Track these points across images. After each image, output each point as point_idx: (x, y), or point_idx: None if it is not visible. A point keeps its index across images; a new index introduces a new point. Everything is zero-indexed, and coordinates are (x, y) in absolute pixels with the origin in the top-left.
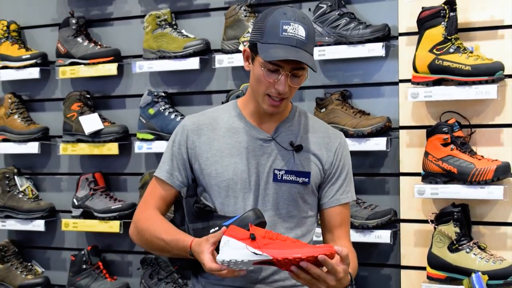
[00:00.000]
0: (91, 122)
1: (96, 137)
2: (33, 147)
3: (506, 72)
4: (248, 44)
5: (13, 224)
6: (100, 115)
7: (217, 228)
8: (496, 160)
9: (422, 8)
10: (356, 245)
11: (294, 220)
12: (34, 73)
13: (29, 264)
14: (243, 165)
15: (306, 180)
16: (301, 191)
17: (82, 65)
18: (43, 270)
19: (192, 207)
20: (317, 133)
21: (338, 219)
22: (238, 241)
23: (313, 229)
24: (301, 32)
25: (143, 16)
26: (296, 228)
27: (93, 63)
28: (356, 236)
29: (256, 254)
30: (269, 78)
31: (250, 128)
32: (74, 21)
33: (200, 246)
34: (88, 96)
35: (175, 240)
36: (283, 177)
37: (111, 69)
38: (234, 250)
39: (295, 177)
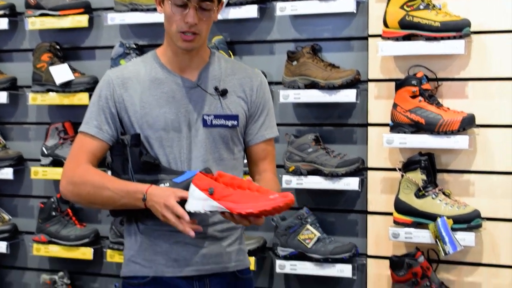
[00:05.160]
0: (61, 73)
1: (66, 87)
2: (1, 97)
3: (472, 29)
4: None
5: None
6: (70, 66)
7: (167, 184)
8: (462, 111)
9: None
10: (325, 192)
11: (225, 163)
12: (2, 23)
13: None
14: (172, 114)
15: (235, 123)
16: (231, 134)
17: (52, 17)
18: (10, 217)
19: (139, 159)
20: (237, 74)
21: (263, 154)
22: (201, 191)
23: (242, 169)
24: None
25: None
26: (229, 170)
27: (64, 15)
28: (326, 184)
29: (215, 206)
30: (178, 13)
31: (173, 77)
32: None
33: (166, 191)
34: (58, 47)
35: (125, 187)
36: (213, 122)
37: (81, 20)
38: (198, 201)
39: (224, 121)
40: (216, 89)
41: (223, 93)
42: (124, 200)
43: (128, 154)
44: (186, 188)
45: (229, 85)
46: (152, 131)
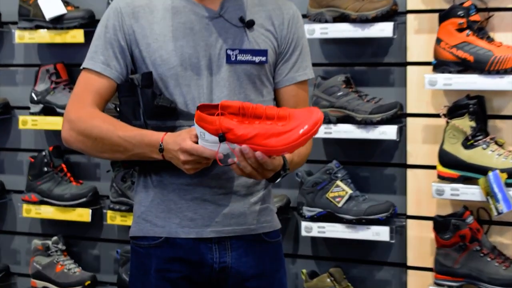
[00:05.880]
0: (52, 6)
1: (58, 23)
2: None
3: None
4: None
5: None
6: None
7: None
8: None
9: None
10: (358, 142)
11: None
12: None
13: None
14: (190, 49)
15: (264, 59)
16: (259, 72)
17: None
18: None
19: (152, 102)
20: (265, 5)
21: (292, 101)
22: (212, 135)
23: None
24: None
25: None
26: None
27: None
28: (358, 132)
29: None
30: None
31: (192, 5)
32: None
33: (180, 135)
34: None
35: (139, 136)
36: (238, 58)
37: None
38: (212, 144)
39: (251, 57)
40: (241, 19)
41: (250, 24)
42: (138, 150)
43: (139, 96)
44: None
45: (256, 16)
46: (166, 67)
